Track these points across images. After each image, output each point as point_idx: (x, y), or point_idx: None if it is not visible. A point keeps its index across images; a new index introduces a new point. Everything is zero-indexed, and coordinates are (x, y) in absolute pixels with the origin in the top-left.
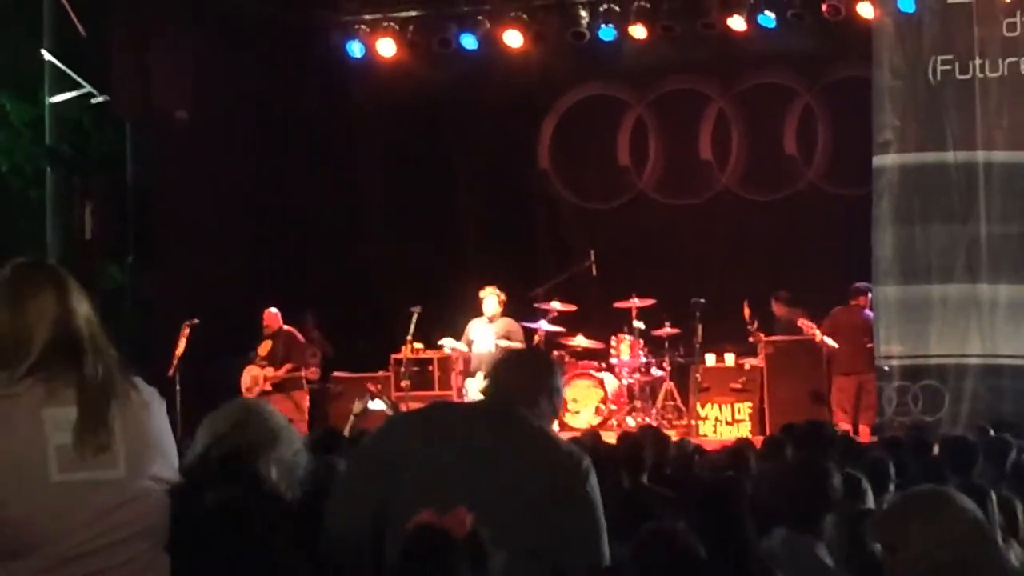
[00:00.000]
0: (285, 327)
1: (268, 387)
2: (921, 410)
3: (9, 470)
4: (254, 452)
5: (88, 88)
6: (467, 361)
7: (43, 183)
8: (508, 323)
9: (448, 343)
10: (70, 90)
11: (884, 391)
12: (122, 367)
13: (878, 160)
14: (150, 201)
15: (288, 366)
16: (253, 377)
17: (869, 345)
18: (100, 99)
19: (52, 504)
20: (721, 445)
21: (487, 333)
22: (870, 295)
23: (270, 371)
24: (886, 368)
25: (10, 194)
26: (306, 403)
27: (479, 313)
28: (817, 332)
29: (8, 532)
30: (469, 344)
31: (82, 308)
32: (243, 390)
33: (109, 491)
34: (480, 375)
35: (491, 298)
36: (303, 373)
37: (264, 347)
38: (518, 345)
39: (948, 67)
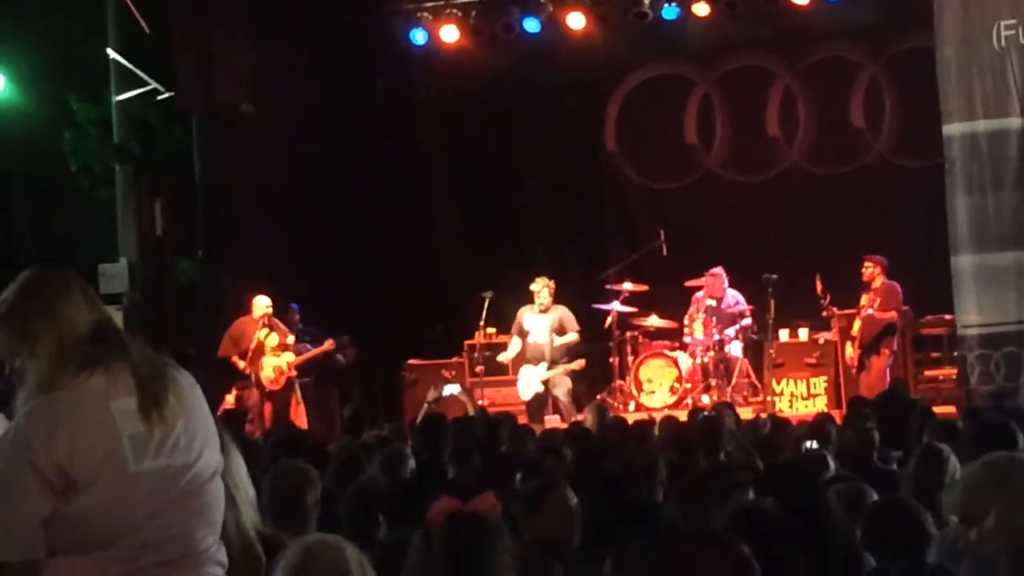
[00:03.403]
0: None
1: (293, 372)
2: (1004, 377)
3: (90, 462)
4: None
5: (154, 85)
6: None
7: (112, 181)
8: (562, 312)
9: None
10: (135, 88)
11: (967, 360)
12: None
13: (947, 129)
14: (218, 195)
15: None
16: (275, 367)
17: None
18: (165, 95)
19: (132, 494)
20: (799, 420)
21: (541, 323)
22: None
23: (291, 356)
24: (966, 337)
25: (80, 193)
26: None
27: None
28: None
29: (93, 522)
30: (524, 334)
31: (102, 305)
32: (265, 382)
33: (182, 477)
34: (543, 365)
35: (544, 290)
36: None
37: (270, 338)
38: (574, 335)
39: (1012, 31)
